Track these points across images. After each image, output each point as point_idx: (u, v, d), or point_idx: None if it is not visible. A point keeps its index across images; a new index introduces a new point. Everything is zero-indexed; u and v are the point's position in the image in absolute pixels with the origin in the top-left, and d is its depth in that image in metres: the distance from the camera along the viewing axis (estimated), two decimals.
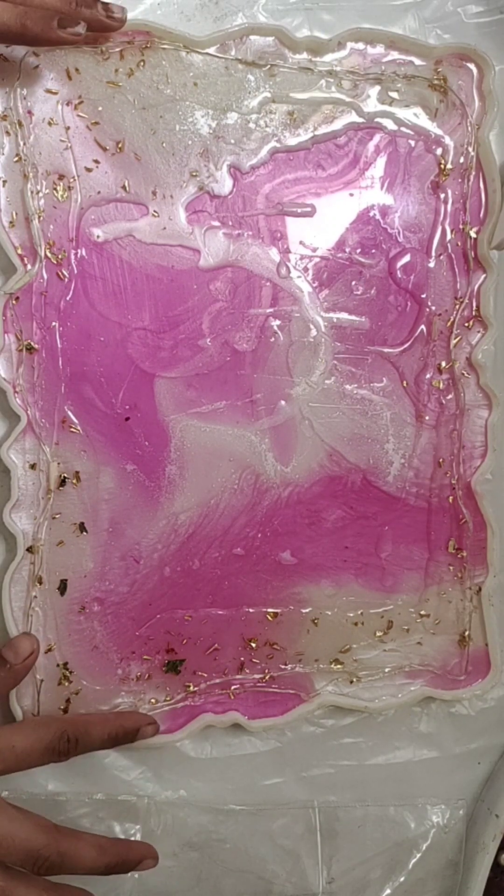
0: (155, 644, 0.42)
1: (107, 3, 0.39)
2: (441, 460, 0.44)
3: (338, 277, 0.43)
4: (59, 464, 0.41)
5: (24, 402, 0.41)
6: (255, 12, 0.43)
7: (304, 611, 0.44)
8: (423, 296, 0.44)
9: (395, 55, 0.43)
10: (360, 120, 0.43)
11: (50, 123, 0.40)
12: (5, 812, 0.35)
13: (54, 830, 0.36)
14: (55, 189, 0.41)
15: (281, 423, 0.43)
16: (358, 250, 0.43)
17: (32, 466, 0.41)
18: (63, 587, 0.41)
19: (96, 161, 0.41)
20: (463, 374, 0.44)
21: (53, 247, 0.41)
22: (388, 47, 0.43)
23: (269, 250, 0.43)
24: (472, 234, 0.43)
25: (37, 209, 0.40)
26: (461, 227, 0.44)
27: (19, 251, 0.41)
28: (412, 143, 0.43)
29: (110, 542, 0.42)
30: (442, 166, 0.43)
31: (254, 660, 0.43)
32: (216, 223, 0.42)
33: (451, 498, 0.44)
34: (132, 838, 0.42)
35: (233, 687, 0.43)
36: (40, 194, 0.41)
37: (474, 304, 0.44)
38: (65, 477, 0.41)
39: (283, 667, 0.43)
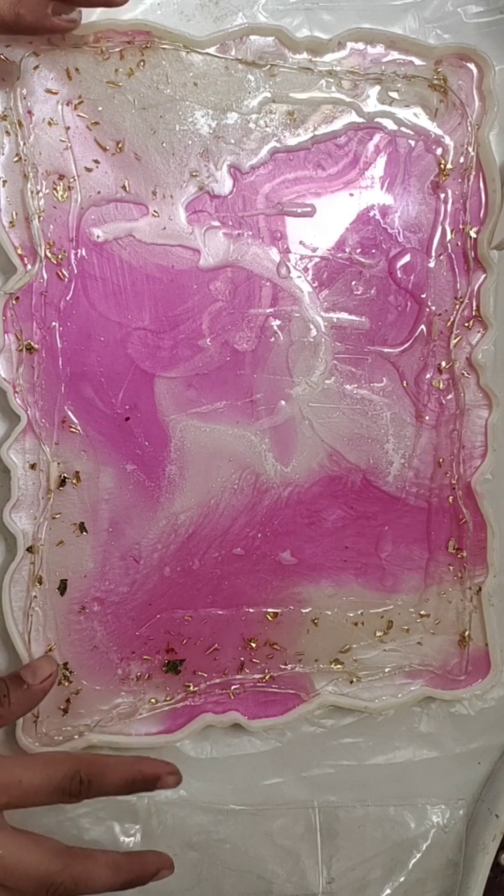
0: (155, 644, 0.42)
1: None
2: (441, 460, 0.44)
3: (338, 277, 0.43)
4: (59, 464, 0.41)
5: (24, 402, 0.41)
6: (254, 12, 0.43)
7: (304, 611, 0.44)
8: (423, 296, 0.44)
9: (395, 55, 0.43)
10: (360, 120, 0.43)
11: (50, 123, 0.40)
12: (14, 839, 0.34)
13: (66, 854, 0.35)
14: (55, 189, 0.41)
15: (281, 423, 0.43)
16: (358, 250, 0.43)
17: (32, 466, 0.41)
18: (63, 587, 0.41)
19: (96, 161, 0.41)
20: (463, 374, 0.44)
21: (53, 247, 0.41)
22: (388, 47, 0.43)
23: (269, 250, 0.43)
24: (472, 234, 0.43)
25: (37, 209, 0.40)
26: (461, 227, 0.44)
27: (19, 251, 0.41)
28: (412, 143, 0.43)
29: (110, 542, 0.42)
30: (442, 166, 0.43)
31: (254, 660, 0.43)
32: (216, 223, 0.42)
33: (451, 498, 0.44)
34: (132, 838, 0.42)
35: (233, 687, 0.43)
36: (40, 194, 0.41)
37: (474, 304, 0.44)
38: (65, 477, 0.41)
39: (283, 667, 0.43)
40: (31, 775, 0.34)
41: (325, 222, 0.43)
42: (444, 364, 0.44)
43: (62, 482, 0.41)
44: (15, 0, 0.36)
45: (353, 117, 0.43)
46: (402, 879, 0.44)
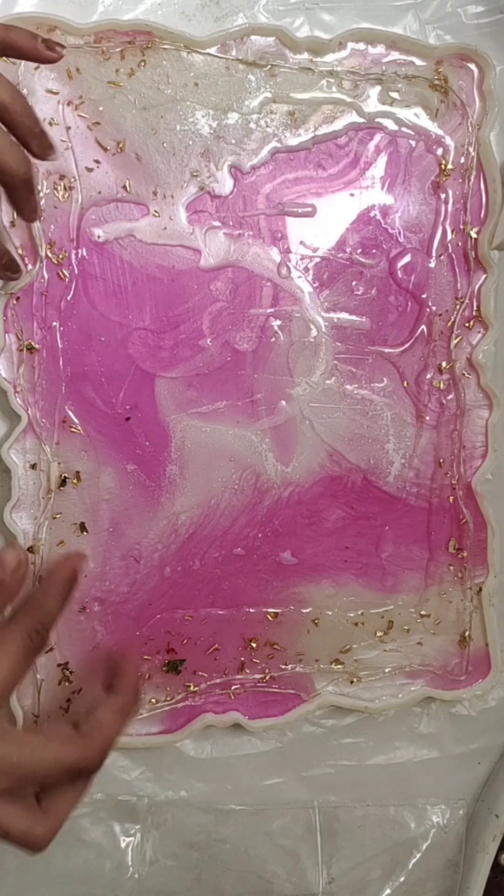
0: (155, 644, 0.42)
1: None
2: (441, 460, 0.44)
3: (338, 277, 0.43)
4: (59, 464, 0.41)
5: (25, 402, 0.41)
6: (255, 12, 0.43)
7: (304, 611, 0.44)
8: (424, 296, 0.44)
9: (395, 55, 0.43)
10: (361, 120, 0.43)
11: (51, 124, 0.40)
12: (25, 739, 0.32)
13: (75, 737, 0.33)
14: (56, 189, 0.41)
15: (281, 423, 0.43)
16: (358, 250, 0.43)
17: (33, 466, 0.41)
18: None
19: (97, 161, 0.41)
20: (463, 374, 0.44)
21: (54, 247, 0.41)
22: (388, 47, 0.43)
23: (270, 250, 0.43)
24: (473, 235, 0.43)
25: None
26: (462, 227, 0.44)
27: (20, 251, 0.41)
28: (413, 143, 0.43)
29: (111, 541, 0.42)
30: (442, 166, 0.43)
31: (254, 660, 0.43)
32: (217, 223, 0.42)
33: (451, 498, 0.44)
34: (132, 838, 0.42)
35: (233, 687, 0.43)
36: (41, 194, 0.41)
37: (475, 305, 0.44)
38: (65, 477, 0.41)
39: (283, 667, 0.43)
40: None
41: (325, 222, 0.43)
42: (444, 364, 0.44)
43: (63, 482, 0.41)
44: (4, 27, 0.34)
45: (353, 117, 0.43)
46: (402, 879, 0.44)
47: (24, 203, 0.35)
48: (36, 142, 0.34)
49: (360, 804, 0.44)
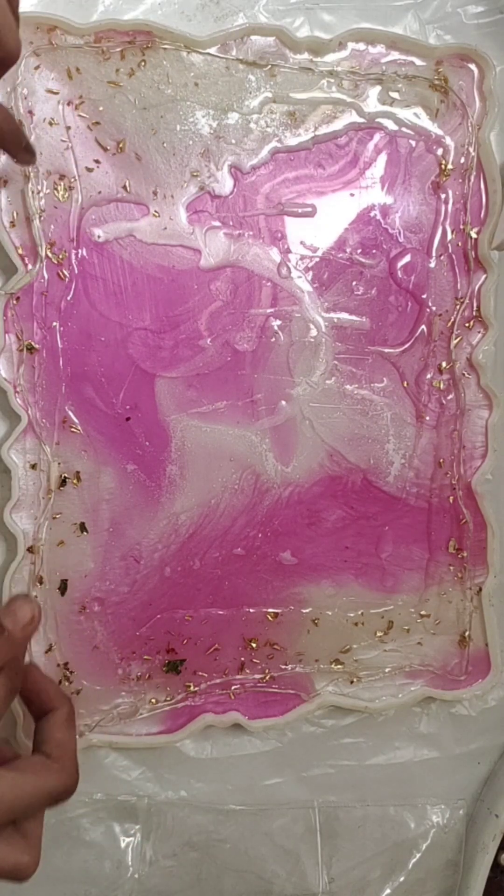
0: (155, 644, 0.42)
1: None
2: (441, 460, 0.44)
3: (338, 278, 0.43)
4: (59, 464, 0.41)
5: (25, 402, 0.41)
6: (255, 12, 0.43)
7: (304, 611, 0.44)
8: (424, 296, 0.44)
9: (395, 55, 0.43)
10: (361, 120, 0.43)
11: (51, 123, 0.40)
12: (10, 775, 0.32)
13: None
14: (56, 189, 0.41)
15: (281, 423, 0.43)
16: (358, 250, 0.43)
17: (33, 466, 0.41)
18: (63, 587, 0.41)
19: (97, 161, 0.41)
20: (463, 374, 0.44)
21: (54, 247, 0.41)
22: (388, 47, 0.43)
23: (270, 250, 0.43)
24: (473, 235, 0.43)
25: (37, 209, 0.40)
26: (462, 227, 0.44)
27: (20, 251, 0.41)
28: (413, 143, 0.43)
29: (111, 542, 0.42)
30: (442, 166, 0.43)
31: (254, 660, 0.43)
32: (217, 223, 0.42)
33: (451, 498, 0.44)
34: (132, 838, 0.42)
35: (233, 687, 0.43)
36: (41, 194, 0.41)
37: (475, 305, 0.44)
38: (65, 477, 0.41)
39: (283, 667, 0.43)
40: None
41: (325, 222, 0.43)
42: (444, 364, 0.44)
43: (63, 482, 0.41)
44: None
45: (353, 117, 0.43)
46: (402, 879, 0.44)
47: (16, 148, 0.37)
48: (23, 155, 0.38)
49: (360, 804, 0.44)
